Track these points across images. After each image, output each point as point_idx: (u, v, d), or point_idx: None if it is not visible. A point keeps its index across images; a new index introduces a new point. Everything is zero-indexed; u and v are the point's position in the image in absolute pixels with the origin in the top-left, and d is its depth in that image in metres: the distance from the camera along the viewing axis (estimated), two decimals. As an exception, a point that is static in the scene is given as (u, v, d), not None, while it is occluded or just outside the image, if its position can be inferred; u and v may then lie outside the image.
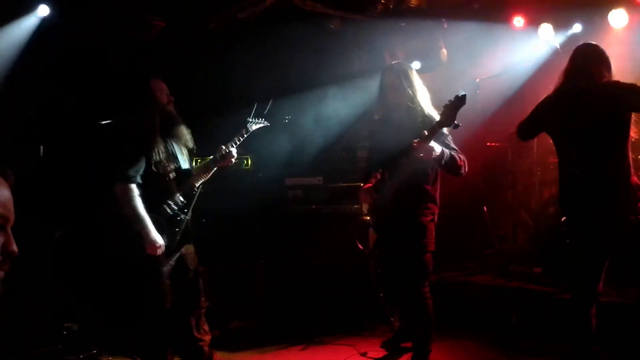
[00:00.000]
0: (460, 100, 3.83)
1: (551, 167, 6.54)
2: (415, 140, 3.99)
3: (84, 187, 7.69)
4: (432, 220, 4.38)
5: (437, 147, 4.05)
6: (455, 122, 3.85)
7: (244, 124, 4.69)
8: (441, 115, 3.93)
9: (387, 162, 4.40)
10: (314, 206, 6.28)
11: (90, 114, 8.97)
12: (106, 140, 4.70)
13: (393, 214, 4.30)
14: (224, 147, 4.45)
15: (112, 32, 6.76)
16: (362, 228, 5.65)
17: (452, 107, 3.84)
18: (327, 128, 6.72)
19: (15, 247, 1.53)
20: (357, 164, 6.38)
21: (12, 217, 1.53)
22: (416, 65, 7.10)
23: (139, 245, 4.12)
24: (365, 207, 5.01)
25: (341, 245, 5.89)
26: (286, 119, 5.46)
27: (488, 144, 7.16)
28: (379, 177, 4.52)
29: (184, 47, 7.05)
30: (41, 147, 8.36)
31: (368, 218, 4.85)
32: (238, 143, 4.59)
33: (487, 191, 7.15)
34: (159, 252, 4.14)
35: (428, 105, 4.39)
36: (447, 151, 4.15)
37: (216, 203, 6.03)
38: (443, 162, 4.13)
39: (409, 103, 4.34)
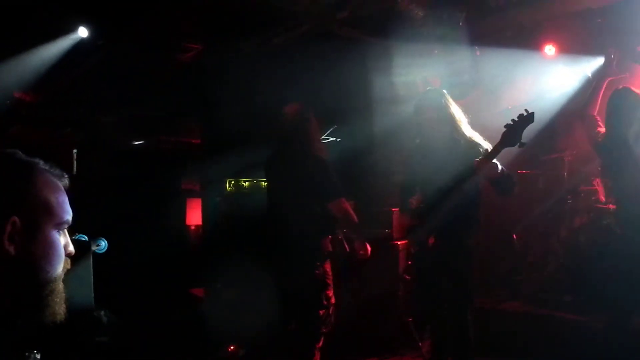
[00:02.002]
0: (527, 119, 3.86)
1: (582, 195, 6.53)
2: (477, 159, 3.97)
3: (120, 203, 7.84)
4: (477, 245, 4.37)
5: (498, 164, 4.02)
6: (522, 140, 3.85)
7: None
8: (505, 133, 3.89)
9: (428, 189, 4.28)
10: (345, 230, 6.30)
11: (127, 133, 9.22)
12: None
13: (440, 240, 4.22)
14: None
15: (151, 55, 6.92)
16: (392, 253, 5.66)
17: (518, 126, 3.85)
18: (360, 152, 6.76)
19: (72, 248, 1.64)
20: (389, 189, 6.41)
21: (70, 219, 1.62)
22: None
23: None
24: (397, 233, 4.98)
25: (371, 270, 5.91)
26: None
27: (519, 171, 7.17)
28: (416, 203, 4.41)
29: (220, 69, 7.19)
30: (75, 152, 8.55)
31: (403, 243, 4.80)
32: None
33: (517, 218, 7.13)
34: None
35: (469, 130, 4.32)
36: (505, 169, 4.09)
37: (249, 225, 6.13)
38: (502, 179, 4.08)
39: (450, 132, 4.27)
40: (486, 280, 6.79)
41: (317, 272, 4.45)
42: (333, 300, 4.59)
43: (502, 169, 4.04)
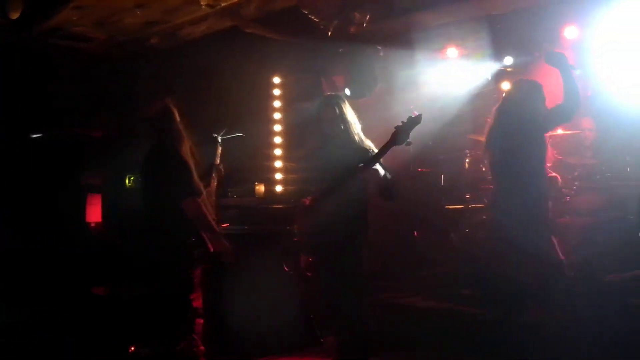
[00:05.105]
0: (415, 120, 4.10)
1: (480, 192, 6.75)
2: (361, 164, 4.18)
3: (14, 199, 7.51)
4: (366, 241, 4.50)
5: (381, 170, 4.24)
6: (408, 139, 4.09)
7: (214, 140, 5.24)
8: (394, 133, 4.12)
9: (323, 186, 4.46)
10: (246, 227, 6.25)
11: (25, 124, 8.85)
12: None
13: (330, 236, 4.36)
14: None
15: (53, 43, 6.67)
16: (291, 250, 5.67)
17: (407, 127, 4.08)
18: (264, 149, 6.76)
19: None
20: (293, 186, 6.43)
21: None
22: (346, 92, 7.21)
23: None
24: (296, 229, 5.00)
25: (272, 266, 5.90)
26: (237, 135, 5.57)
27: (419, 169, 7.34)
28: (313, 200, 4.55)
29: (125, 60, 7.01)
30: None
31: (297, 239, 4.86)
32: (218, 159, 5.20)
33: (418, 216, 7.29)
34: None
35: (360, 135, 4.55)
36: (388, 174, 4.31)
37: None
38: (384, 184, 4.29)
39: (343, 134, 4.49)
40: (388, 276, 6.91)
41: (181, 276, 4.57)
42: (198, 310, 4.67)
43: (385, 173, 4.27)
